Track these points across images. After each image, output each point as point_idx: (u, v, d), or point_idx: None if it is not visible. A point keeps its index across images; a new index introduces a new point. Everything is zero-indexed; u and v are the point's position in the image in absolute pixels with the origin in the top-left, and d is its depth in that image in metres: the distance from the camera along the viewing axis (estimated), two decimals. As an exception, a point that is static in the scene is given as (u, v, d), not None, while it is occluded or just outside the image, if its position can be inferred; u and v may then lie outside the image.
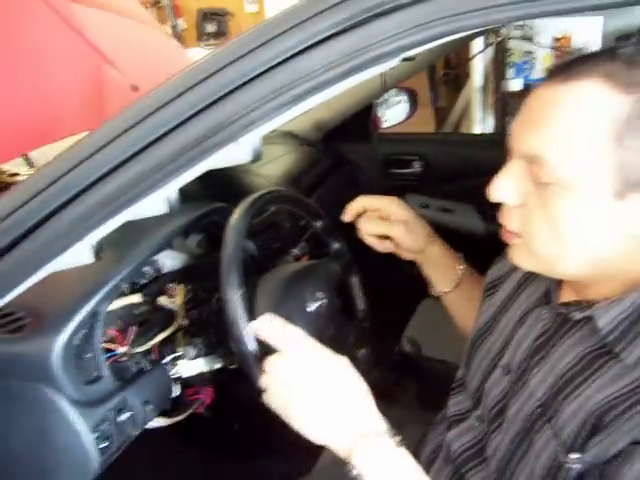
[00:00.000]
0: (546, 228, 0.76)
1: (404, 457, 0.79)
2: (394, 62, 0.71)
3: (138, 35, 2.23)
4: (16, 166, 2.65)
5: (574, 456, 0.73)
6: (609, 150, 0.69)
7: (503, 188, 0.80)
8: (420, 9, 0.66)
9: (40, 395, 0.90)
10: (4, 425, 0.94)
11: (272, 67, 0.71)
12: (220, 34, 4.48)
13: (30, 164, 2.74)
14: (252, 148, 0.77)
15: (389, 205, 1.19)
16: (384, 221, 1.19)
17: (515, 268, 1.06)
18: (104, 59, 2.03)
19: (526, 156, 0.77)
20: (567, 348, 0.82)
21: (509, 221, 0.82)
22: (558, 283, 0.90)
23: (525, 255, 0.82)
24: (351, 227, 1.21)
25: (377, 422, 0.81)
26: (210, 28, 4.55)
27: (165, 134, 0.75)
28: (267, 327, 0.87)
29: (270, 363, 0.83)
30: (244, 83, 0.72)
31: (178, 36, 4.06)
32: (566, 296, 0.88)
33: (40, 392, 0.90)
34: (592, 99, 0.70)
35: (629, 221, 0.72)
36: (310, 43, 0.70)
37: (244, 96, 0.72)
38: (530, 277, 1.00)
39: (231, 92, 0.73)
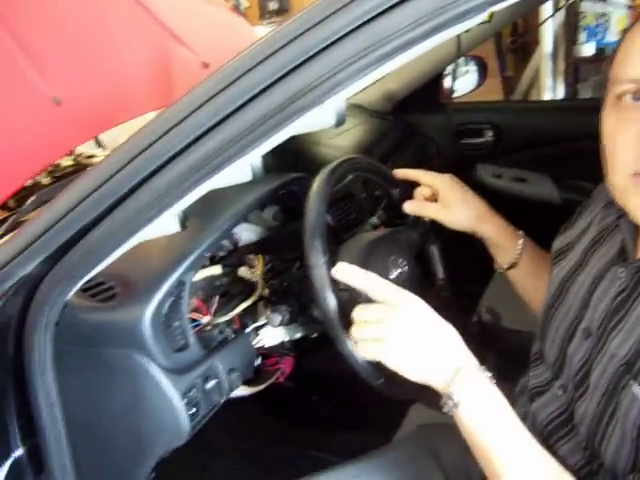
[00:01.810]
0: None
1: (497, 392, 0.82)
2: (480, 17, 0.69)
3: (205, 13, 2.25)
4: (90, 148, 2.71)
5: None
6: None
7: None
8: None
9: (132, 362, 0.93)
10: (99, 391, 0.97)
11: (356, 27, 0.70)
12: (282, 11, 4.47)
13: (102, 146, 2.80)
14: (336, 112, 0.77)
15: (436, 183, 1.19)
16: (421, 202, 1.19)
17: (583, 233, 1.04)
18: (173, 37, 2.05)
19: None
20: None
21: None
22: (635, 239, 0.87)
23: None
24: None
25: (470, 358, 0.84)
26: (272, 6, 4.55)
27: (251, 99, 0.76)
28: (350, 272, 0.89)
29: (359, 310, 0.87)
30: (328, 45, 0.72)
31: (241, 15, 4.07)
32: None
33: (132, 359, 0.93)
34: None
35: None
36: (395, 1, 0.69)
37: (329, 58, 0.72)
38: (601, 239, 0.97)
39: (315, 55, 0.72)
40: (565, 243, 1.08)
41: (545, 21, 3.35)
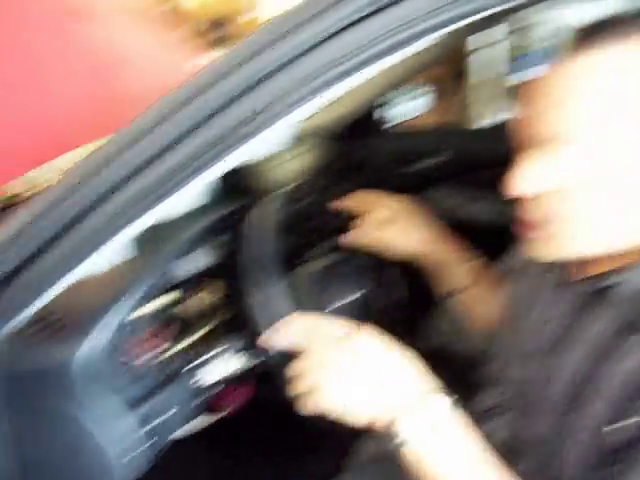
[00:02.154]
0: (586, 208, 0.74)
1: (455, 417, 0.77)
2: (426, 43, 0.70)
3: (146, 43, 2.23)
4: (13, 187, 2.62)
5: (618, 425, 0.72)
6: None
7: (532, 178, 0.76)
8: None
9: (64, 410, 0.88)
10: (41, 433, 0.92)
11: (305, 51, 0.71)
12: (224, 40, 4.49)
13: (30, 183, 2.71)
14: (285, 138, 0.76)
15: (389, 207, 1.20)
16: (375, 226, 1.19)
17: None
18: (112, 67, 2.03)
19: (552, 137, 0.73)
20: (594, 323, 0.81)
21: (536, 211, 0.78)
22: (576, 259, 0.88)
23: (554, 245, 0.79)
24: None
25: (422, 383, 0.78)
26: (214, 35, 4.56)
27: (198, 126, 0.75)
28: (286, 334, 0.85)
29: (298, 365, 0.80)
30: (277, 69, 0.72)
31: (183, 43, 4.07)
32: (592, 270, 0.86)
33: (64, 406, 0.88)
34: (625, 63, 0.69)
35: None
36: (345, 23, 0.70)
37: (278, 83, 0.72)
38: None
39: (264, 79, 0.72)
40: (514, 264, 1.10)
41: (479, 49, 3.45)
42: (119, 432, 0.91)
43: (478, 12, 0.65)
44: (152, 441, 0.96)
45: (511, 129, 0.80)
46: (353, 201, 1.22)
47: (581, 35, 0.73)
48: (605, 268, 0.81)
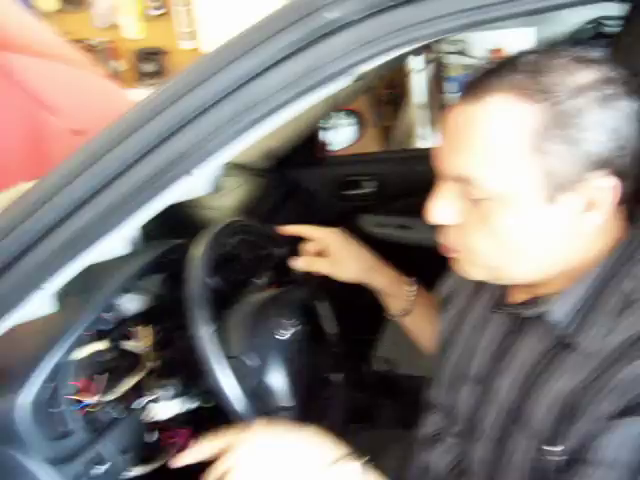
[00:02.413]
0: (487, 241, 0.78)
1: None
2: (348, 79, 0.71)
3: (78, 80, 2.20)
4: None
5: (557, 449, 0.74)
6: (531, 160, 0.71)
7: (439, 210, 0.80)
8: (368, 25, 0.67)
9: (7, 458, 0.86)
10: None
11: (227, 94, 0.70)
12: (158, 73, 4.46)
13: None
14: (212, 179, 0.76)
15: (324, 238, 1.20)
16: (310, 258, 1.20)
17: (466, 279, 1.07)
18: (43, 106, 1.99)
19: (454, 177, 0.78)
20: (528, 348, 0.83)
21: (448, 239, 0.83)
22: (510, 285, 0.91)
23: (469, 266, 0.85)
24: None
25: (334, 452, 0.83)
26: (148, 68, 4.53)
27: (122, 172, 0.74)
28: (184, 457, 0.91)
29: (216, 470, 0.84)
30: (197, 115, 0.72)
31: (117, 78, 4.02)
32: (519, 297, 0.88)
33: (6, 455, 0.86)
34: (504, 114, 0.72)
35: (564, 221, 0.75)
36: (263, 68, 0.70)
37: (198, 127, 0.71)
38: (482, 285, 1.00)
39: (184, 125, 0.72)
40: (451, 288, 1.11)
41: (411, 74, 3.51)
42: (69, 476, 0.89)
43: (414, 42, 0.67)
44: None
45: (432, 157, 0.83)
46: (286, 233, 1.22)
47: (474, 81, 0.76)
48: (537, 293, 0.83)
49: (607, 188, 0.72)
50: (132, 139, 0.75)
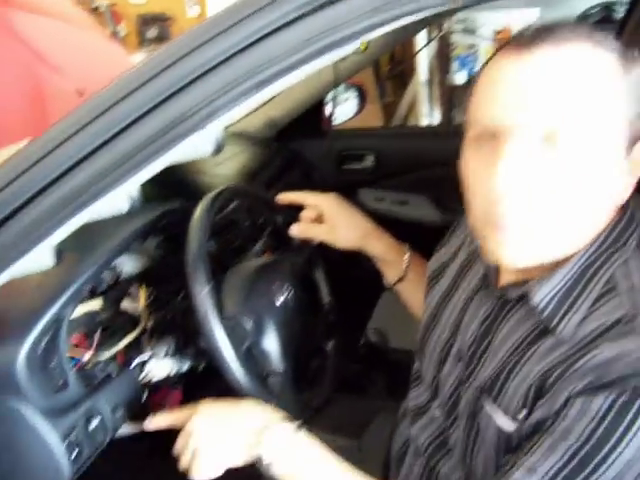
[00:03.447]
0: (554, 207, 0.72)
1: (308, 444, 0.89)
2: (354, 46, 0.71)
3: (81, 40, 2.19)
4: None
5: (519, 422, 0.76)
6: (616, 106, 0.70)
7: (507, 175, 0.70)
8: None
9: (5, 407, 0.87)
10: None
11: (235, 53, 0.70)
12: (162, 39, 4.42)
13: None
14: (214, 140, 0.76)
15: (320, 204, 1.20)
16: (307, 225, 1.20)
17: (455, 254, 1.07)
18: (46, 65, 1.98)
19: (529, 133, 0.70)
20: (509, 330, 0.83)
21: (507, 210, 0.73)
22: (496, 268, 0.89)
23: (519, 245, 0.75)
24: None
25: (275, 419, 0.91)
26: (151, 33, 4.49)
27: (126, 127, 0.74)
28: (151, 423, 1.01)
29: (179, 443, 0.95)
30: (206, 71, 0.72)
31: (119, 42, 3.99)
32: (506, 278, 0.86)
33: (5, 403, 0.87)
34: (586, 61, 0.69)
35: (620, 185, 0.74)
36: (272, 28, 0.70)
37: (207, 85, 0.71)
38: (470, 262, 1.00)
39: (193, 81, 0.72)
40: (440, 263, 1.11)
41: (419, 51, 3.49)
42: (63, 428, 0.91)
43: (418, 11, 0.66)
44: (94, 439, 0.97)
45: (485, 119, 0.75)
46: (282, 201, 1.22)
47: (537, 33, 0.71)
48: (524, 276, 0.82)
49: None
50: (138, 94, 0.75)
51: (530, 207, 0.72)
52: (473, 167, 0.78)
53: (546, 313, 0.77)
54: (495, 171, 0.71)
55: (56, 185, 0.77)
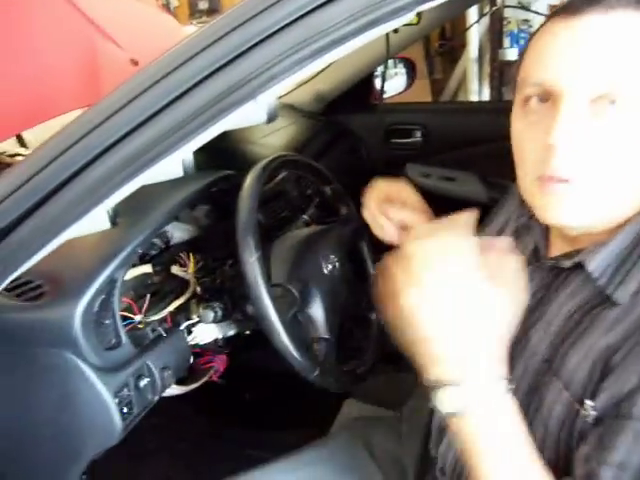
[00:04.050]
0: (613, 164, 0.72)
1: (513, 406, 0.74)
2: (409, 17, 0.71)
3: (134, 10, 2.21)
4: (12, 147, 2.62)
5: (589, 403, 0.73)
6: None
7: (565, 131, 0.71)
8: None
9: (62, 361, 0.91)
10: (29, 392, 0.95)
11: (291, 22, 0.71)
12: (213, 11, 4.43)
13: (24, 145, 2.70)
14: (268, 109, 0.77)
15: (404, 191, 1.13)
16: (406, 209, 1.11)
17: (501, 231, 1.06)
18: (101, 34, 2.01)
19: (588, 93, 0.71)
20: (563, 301, 0.82)
21: (564, 164, 0.72)
22: (546, 239, 0.89)
23: (574, 202, 0.74)
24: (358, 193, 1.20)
25: (500, 365, 0.74)
26: (202, 5, 4.51)
27: (182, 94, 0.76)
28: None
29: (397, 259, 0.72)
30: (262, 39, 0.73)
31: (170, 14, 4.02)
32: (557, 248, 0.86)
33: (63, 358, 0.91)
34: (638, 25, 0.70)
35: None
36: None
37: (264, 52, 0.72)
38: (518, 237, 0.98)
39: (248, 50, 0.73)
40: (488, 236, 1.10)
41: (471, 26, 3.44)
42: (115, 385, 0.94)
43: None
44: (144, 397, 1.00)
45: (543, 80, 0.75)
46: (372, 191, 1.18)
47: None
48: (577, 245, 0.82)
49: None
50: (195, 61, 0.76)
51: (586, 165, 0.72)
52: (522, 130, 0.79)
53: (603, 280, 0.76)
54: (553, 126, 0.71)
55: (114, 150, 0.79)
